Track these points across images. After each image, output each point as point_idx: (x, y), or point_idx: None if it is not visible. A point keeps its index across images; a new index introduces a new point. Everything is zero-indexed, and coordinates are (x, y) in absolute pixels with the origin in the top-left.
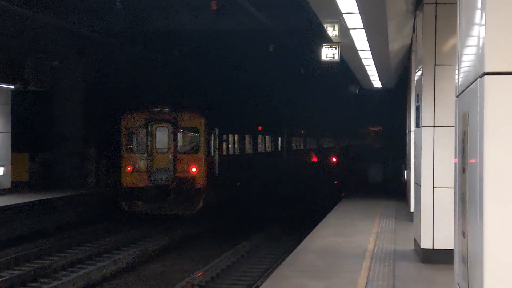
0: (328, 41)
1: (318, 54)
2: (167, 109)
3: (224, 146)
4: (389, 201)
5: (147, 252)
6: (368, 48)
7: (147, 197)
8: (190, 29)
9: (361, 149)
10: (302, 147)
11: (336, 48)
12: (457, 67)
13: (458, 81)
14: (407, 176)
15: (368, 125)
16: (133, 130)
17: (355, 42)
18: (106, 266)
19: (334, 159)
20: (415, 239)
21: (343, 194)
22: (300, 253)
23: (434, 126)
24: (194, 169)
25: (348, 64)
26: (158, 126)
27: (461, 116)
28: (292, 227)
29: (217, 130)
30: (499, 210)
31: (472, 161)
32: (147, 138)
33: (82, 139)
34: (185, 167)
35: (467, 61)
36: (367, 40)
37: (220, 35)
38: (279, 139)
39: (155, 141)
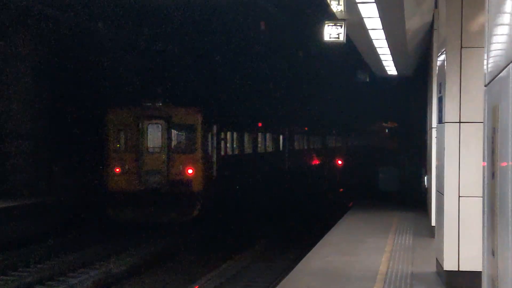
0: (332, 18)
1: (320, 34)
2: (160, 104)
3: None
4: (406, 212)
5: (111, 274)
6: (381, 27)
7: (137, 202)
8: (164, 2)
9: (372, 149)
10: (302, 147)
11: (341, 26)
12: (485, 51)
13: (487, 68)
14: (427, 183)
15: (381, 121)
16: (121, 127)
17: (364, 19)
18: None
19: (340, 162)
20: (437, 260)
21: (350, 205)
22: (296, 276)
23: (460, 122)
24: (190, 171)
25: (356, 46)
26: (150, 123)
27: (490, 110)
28: (287, 244)
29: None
30: None
31: (504, 164)
32: (137, 136)
33: (32, 136)
34: (180, 169)
35: (498, 43)
36: (379, 16)
37: (199, 8)
38: (271, 137)
39: (147, 140)
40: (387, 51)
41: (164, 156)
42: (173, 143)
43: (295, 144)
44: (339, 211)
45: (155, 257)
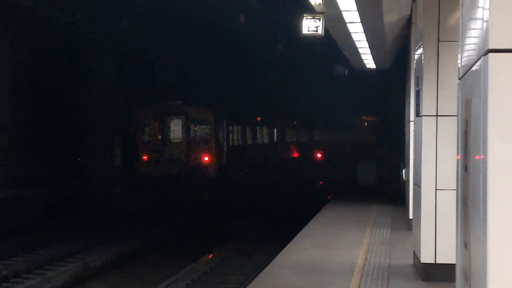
0: (311, 11)
1: (299, 27)
2: (180, 102)
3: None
4: (384, 206)
5: (88, 268)
6: (359, 20)
7: (160, 185)
8: None
9: (351, 142)
10: (280, 140)
11: (319, 19)
12: (460, 45)
13: (461, 61)
14: (405, 176)
15: (361, 115)
16: (148, 122)
17: (343, 13)
18: (36, 286)
19: (319, 155)
20: (414, 252)
21: (329, 197)
22: (273, 270)
23: (437, 115)
24: (206, 158)
25: (335, 39)
26: (172, 118)
27: (463, 103)
28: (265, 237)
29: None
30: (506, 216)
31: (476, 157)
32: (161, 129)
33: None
34: (198, 157)
35: (471, 37)
36: (358, 10)
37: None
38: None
39: (169, 132)
40: (366, 44)
41: (184, 146)
42: (192, 135)
43: (267, 137)
44: (317, 205)
45: (134, 250)
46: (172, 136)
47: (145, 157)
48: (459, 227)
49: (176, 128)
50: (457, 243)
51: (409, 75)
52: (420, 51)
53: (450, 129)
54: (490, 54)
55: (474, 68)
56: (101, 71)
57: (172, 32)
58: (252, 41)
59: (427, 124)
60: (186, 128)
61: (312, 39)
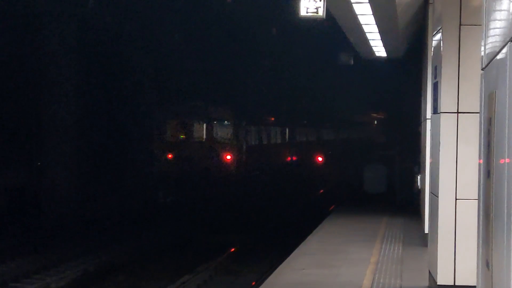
0: None
1: (296, 8)
2: (204, 104)
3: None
4: (395, 218)
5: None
6: (367, 0)
7: (184, 182)
8: None
9: (357, 143)
10: (274, 141)
11: None
12: (483, 30)
13: (485, 49)
14: (421, 183)
15: (369, 111)
16: (173, 122)
17: None
18: None
19: (320, 159)
20: (429, 272)
21: (331, 208)
22: None
23: (457, 112)
24: (228, 157)
25: (339, 22)
26: (196, 119)
27: (486, 97)
28: (256, 254)
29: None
30: None
31: (501, 161)
32: (186, 129)
33: None
34: (221, 155)
35: (496, 20)
36: None
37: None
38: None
39: (194, 132)
40: (375, 28)
41: (208, 145)
42: (215, 135)
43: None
44: (318, 216)
45: (102, 268)
46: (195, 135)
47: (169, 156)
48: (480, 243)
49: (200, 128)
50: (478, 262)
51: (426, 64)
52: (438, 36)
53: (473, 129)
54: None
55: (499, 56)
56: (129, 75)
57: (192, 34)
58: (261, 43)
59: (446, 122)
60: (209, 129)
61: (311, 22)
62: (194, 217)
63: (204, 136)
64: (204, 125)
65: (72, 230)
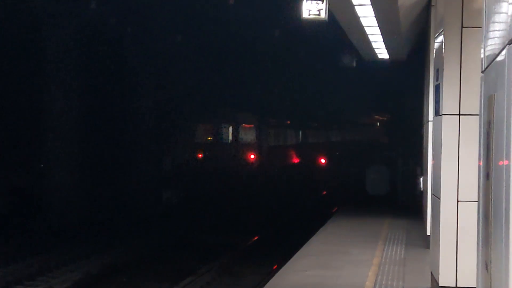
0: None
1: (298, 10)
2: (230, 108)
3: None
4: (398, 219)
5: None
6: (369, 2)
7: (212, 179)
8: None
9: (360, 145)
10: (280, 143)
11: (322, 1)
12: (483, 32)
13: (484, 51)
14: (423, 185)
15: (372, 113)
16: (203, 126)
17: None
18: None
19: (323, 160)
20: (431, 274)
21: (334, 210)
22: None
23: (459, 114)
24: (252, 156)
25: (341, 25)
26: (224, 123)
27: (486, 100)
28: (258, 255)
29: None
30: None
31: (500, 163)
32: (214, 133)
33: None
34: (245, 155)
35: (495, 22)
36: None
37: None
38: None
39: (222, 135)
40: (377, 30)
41: (234, 147)
42: (240, 137)
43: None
44: (321, 218)
45: (105, 269)
46: (223, 137)
47: (200, 155)
48: (480, 244)
49: (227, 131)
50: (477, 264)
51: (428, 67)
52: (440, 38)
53: (474, 131)
54: None
55: (498, 59)
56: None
57: (219, 43)
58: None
59: (448, 124)
60: (236, 131)
61: (313, 24)
62: (196, 218)
63: (231, 138)
64: (232, 128)
65: (75, 231)
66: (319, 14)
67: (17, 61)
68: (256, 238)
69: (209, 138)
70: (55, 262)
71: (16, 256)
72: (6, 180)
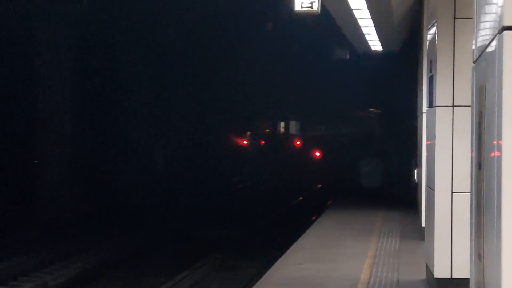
0: None
1: (291, 2)
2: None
3: None
4: (393, 211)
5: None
6: None
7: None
8: None
9: (355, 138)
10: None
11: None
12: (474, 22)
13: (476, 42)
14: (417, 177)
15: (367, 106)
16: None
17: None
18: None
19: (318, 153)
20: (426, 265)
21: (329, 203)
22: (263, 287)
23: (453, 106)
24: (298, 143)
25: (334, 17)
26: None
27: (477, 90)
28: (253, 248)
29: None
30: None
31: (491, 154)
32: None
33: None
34: (293, 142)
35: (486, 13)
36: None
37: None
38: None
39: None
40: (370, 22)
41: (286, 135)
42: (291, 129)
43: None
44: (315, 211)
45: (98, 266)
46: (278, 129)
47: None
48: (473, 235)
49: (280, 125)
50: (471, 254)
51: (422, 58)
52: (433, 30)
53: (468, 122)
54: (506, 32)
55: (488, 49)
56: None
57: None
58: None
59: (442, 115)
60: (287, 125)
61: (306, 17)
62: (190, 213)
63: (284, 130)
64: (283, 123)
65: (70, 227)
66: (311, 7)
67: (9, 59)
68: (248, 234)
69: (267, 130)
70: (49, 258)
71: (10, 252)
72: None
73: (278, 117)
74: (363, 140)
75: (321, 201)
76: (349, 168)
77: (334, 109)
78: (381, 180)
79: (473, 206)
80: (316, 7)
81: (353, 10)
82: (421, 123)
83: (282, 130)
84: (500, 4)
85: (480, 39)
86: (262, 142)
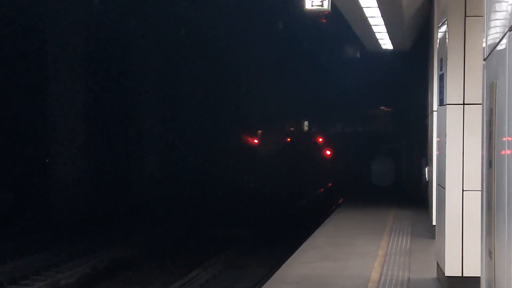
0: None
1: (301, 1)
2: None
3: None
4: (403, 210)
5: (58, 286)
6: None
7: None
8: None
9: (366, 136)
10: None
11: None
12: (485, 20)
13: (486, 40)
14: (428, 175)
15: (378, 105)
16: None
17: None
18: None
19: (329, 152)
20: (437, 264)
21: (340, 201)
22: (274, 285)
23: (464, 104)
24: (320, 140)
25: (344, 15)
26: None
27: (488, 88)
28: (264, 247)
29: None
30: None
31: (502, 152)
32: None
33: None
34: (317, 139)
35: (496, 11)
36: None
37: None
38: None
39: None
40: (381, 21)
41: (309, 133)
42: (313, 128)
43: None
44: (326, 209)
45: (110, 265)
46: (302, 128)
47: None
48: (483, 233)
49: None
50: (481, 252)
51: (432, 57)
52: (443, 28)
53: (479, 120)
54: None
55: (499, 47)
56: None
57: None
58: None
59: (452, 114)
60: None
61: (317, 15)
62: (202, 212)
63: (307, 129)
64: (306, 123)
65: (81, 227)
66: (322, 5)
67: (18, 59)
68: (259, 232)
69: (292, 128)
70: (61, 257)
71: (22, 251)
72: (11, 175)
73: (301, 117)
74: (375, 138)
75: (332, 199)
76: (362, 164)
77: (349, 108)
78: (392, 179)
79: (484, 204)
80: (326, 5)
81: (364, 9)
82: (432, 121)
83: (305, 128)
84: (510, 2)
85: (490, 37)
86: (288, 140)
